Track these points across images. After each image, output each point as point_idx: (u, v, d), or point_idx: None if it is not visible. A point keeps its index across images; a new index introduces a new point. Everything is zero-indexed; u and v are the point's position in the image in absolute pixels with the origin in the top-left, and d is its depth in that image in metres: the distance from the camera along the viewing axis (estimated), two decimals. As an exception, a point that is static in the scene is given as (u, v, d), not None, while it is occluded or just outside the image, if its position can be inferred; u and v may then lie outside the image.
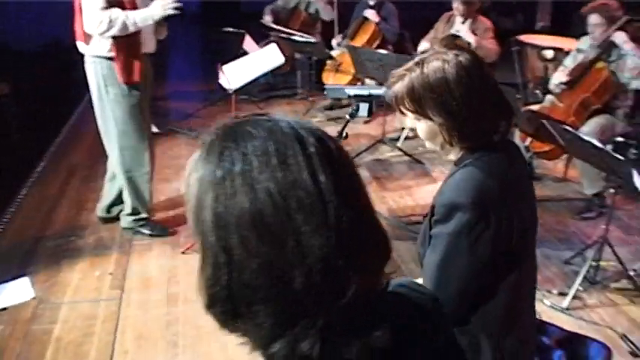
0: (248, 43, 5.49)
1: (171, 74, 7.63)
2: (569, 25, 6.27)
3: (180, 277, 3.29)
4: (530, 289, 1.71)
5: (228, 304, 0.75)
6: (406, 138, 5.22)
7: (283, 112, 6.30)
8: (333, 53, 5.89)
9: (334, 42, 6.13)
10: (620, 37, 3.81)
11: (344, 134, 1.86)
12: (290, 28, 6.18)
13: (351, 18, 6.17)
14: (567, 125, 3.20)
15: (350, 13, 6.22)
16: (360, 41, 5.87)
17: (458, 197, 1.43)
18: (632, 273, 3.28)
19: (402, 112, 1.53)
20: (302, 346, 0.73)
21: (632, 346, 2.76)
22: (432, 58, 1.46)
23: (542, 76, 5.23)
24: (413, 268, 3.25)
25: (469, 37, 4.89)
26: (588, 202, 4.05)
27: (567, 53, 4.54)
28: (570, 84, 4.02)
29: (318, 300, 0.72)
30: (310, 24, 6.44)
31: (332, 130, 5.53)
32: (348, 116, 1.87)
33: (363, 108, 1.72)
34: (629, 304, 3.18)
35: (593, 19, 3.89)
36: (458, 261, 1.44)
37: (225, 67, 3.51)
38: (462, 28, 4.97)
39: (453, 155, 1.58)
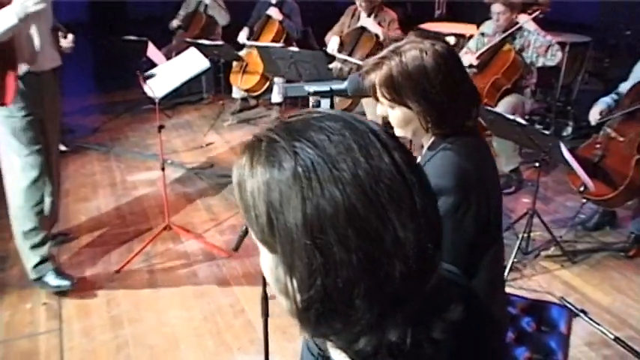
0: (152, 51, 5.29)
1: (67, 89, 7.20)
2: (463, 12, 6.55)
3: (119, 297, 3.14)
4: (502, 265, 1.79)
5: (325, 305, 0.72)
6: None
7: (192, 118, 6.16)
8: (241, 53, 5.82)
9: (241, 37, 6.03)
10: (524, 19, 4.04)
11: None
12: (192, 32, 6.05)
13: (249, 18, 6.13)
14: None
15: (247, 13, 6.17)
16: (265, 40, 5.83)
17: (441, 181, 1.47)
18: (559, 240, 3.50)
19: (377, 100, 1.55)
20: (390, 336, 0.72)
21: (571, 306, 2.93)
22: (408, 47, 1.50)
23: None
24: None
25: (376, 29, 5.00)
26: (507, 178, 4.26)
27: (469, 38, 4.76)
28: (479, 67, 4.20)
29: (412, 286, 0.72)
30: (211, 27, 6.33)
31: (246, 132, 5.63)
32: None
33: (325, 103, 1.69)
34: (560, 269, 3.39)
35: (496, 7, 4.10)
36: (444, 243, 1.49)
37: (146, 76, 3.37)
38: (368, 21, 5.07)
39: (425, 141, 1.62)
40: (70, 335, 2.86)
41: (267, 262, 0.79)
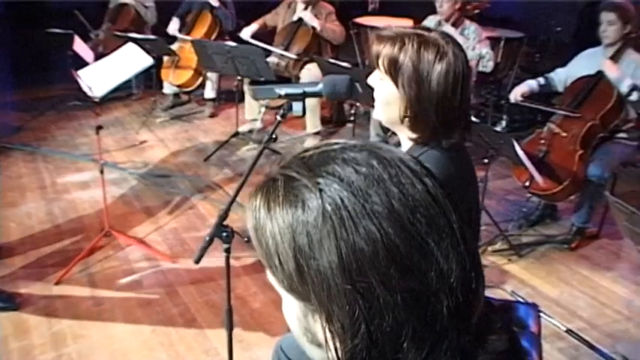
0: (78, 44, 5.01)
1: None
2: (396, 6, 6.56)
3: (60, 312, 2.94)
4: None
5: (372, 352, 0.64)
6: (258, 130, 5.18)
7: (122, 115, 5.90)
8: (173, 47, 5.60)
9: (171, 29, 5.79)
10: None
11: (274, 136, 1.75)
12: (121, 25, 5.78)
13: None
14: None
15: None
16: (198, 33, 5.66)
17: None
18: (506, 234, 3.56)
19: (377, 67, 1.52)
20: None
21: (522, 300, 2.98)
22: (431, 42, 1.45)
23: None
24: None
25: (313, 22, 4.93)
26: None
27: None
28: None
29: (460, 320, 0.66)
30: (141, 21, 6.08)
31: (180, 129, 5.45)
32: (279, 117, 1.76)
33: (297, 106, 1.60)
34: (508, 264, 3.45)
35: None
36: None
37: (81, 73, 3.15)
38: (305, 14, 4.99)
39: (399, 132, 1.59)
40: (8, 356, 2.64)
41: (294, 310, 0.72)
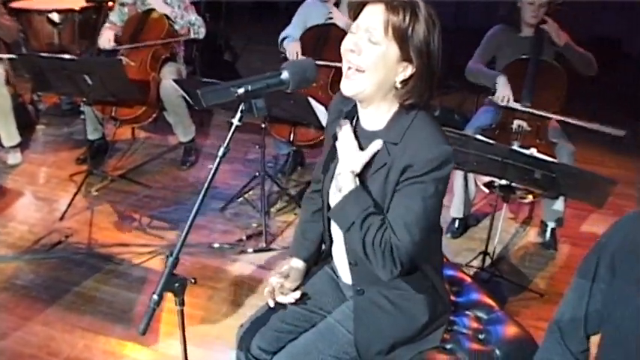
0: None
1: None
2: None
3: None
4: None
5: None
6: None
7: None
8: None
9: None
10: None
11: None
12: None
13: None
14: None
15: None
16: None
17: (445, 151, 1.49)
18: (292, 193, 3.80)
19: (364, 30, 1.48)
20: None
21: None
22: (421, 12, 1.48)
23: (54, 42, 4.68)
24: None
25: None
26: (186, 149, 4.31)
27: (80, 12, 4.63)
28: (131, 39, 3.98)
29: None
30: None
31: None
32: (236, 121, 1.40)
33: (260, 103, 1.29)
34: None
35: None
36: (437, 202, 1.53)
37: None
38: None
39: (379, 100, 1.55)
40: None
41: None
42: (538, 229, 3.56)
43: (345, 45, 1.52)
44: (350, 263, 1.68)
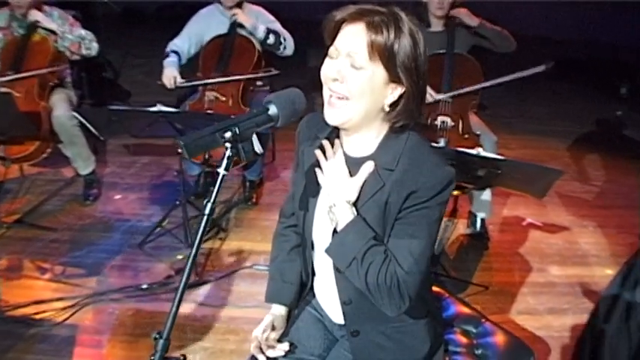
0: None
1: None
2: None
3: None
4: None
5: None
6: None
7: None
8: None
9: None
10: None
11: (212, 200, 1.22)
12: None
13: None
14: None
15: None
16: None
17: (449, 173, 1.41)
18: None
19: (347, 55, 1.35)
20: None
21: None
22: (405, 25, 1.36)
23: None
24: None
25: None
26: (87, 182, 3.97)
27: None
28: (13, 68, 3.60)
29: None
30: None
31: None
32: (222, 171, 1.22)
33: (248, 147, 1.13)
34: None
35: None
36: (439, 226, 1.47)
37: None
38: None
39: (365, 127, 1.44)
40: None
41: None
42: (466, 220, 3.61)
43: (326, 73, 1.39)
44: (343, 302, 1.55)
